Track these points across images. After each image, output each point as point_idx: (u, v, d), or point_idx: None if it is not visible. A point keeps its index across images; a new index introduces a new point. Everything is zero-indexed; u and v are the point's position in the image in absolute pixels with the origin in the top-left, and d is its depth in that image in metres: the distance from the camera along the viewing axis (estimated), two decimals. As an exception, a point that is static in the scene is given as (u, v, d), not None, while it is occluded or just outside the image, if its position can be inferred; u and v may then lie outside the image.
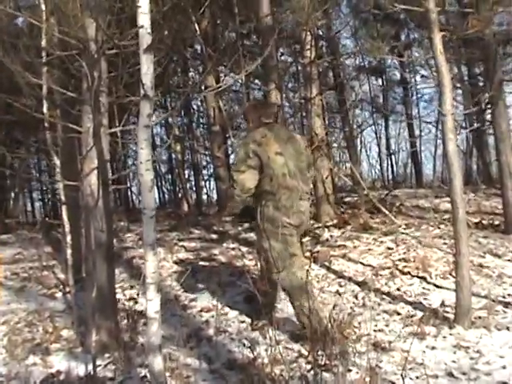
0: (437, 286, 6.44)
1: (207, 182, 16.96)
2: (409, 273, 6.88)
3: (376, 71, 18.43)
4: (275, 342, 4.90)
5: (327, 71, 16.56)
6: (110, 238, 5.42)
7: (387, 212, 9.28)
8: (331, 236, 8.97)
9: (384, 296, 6.29)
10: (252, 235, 9.51)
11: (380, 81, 19.08)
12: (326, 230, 9.31)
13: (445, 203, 10.43)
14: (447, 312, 5.66)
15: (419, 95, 19.53)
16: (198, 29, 10.62)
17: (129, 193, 18.65)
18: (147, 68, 3.58)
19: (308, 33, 9.76)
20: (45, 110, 6.23)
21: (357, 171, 16.66)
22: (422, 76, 17.54)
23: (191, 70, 13.93)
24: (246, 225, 10.44)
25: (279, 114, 6.39)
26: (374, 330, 5.38)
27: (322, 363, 4.58)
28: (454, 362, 4.69)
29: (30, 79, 5.63)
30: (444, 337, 5.18)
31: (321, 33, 14.29)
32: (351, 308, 6.04)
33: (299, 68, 14.98)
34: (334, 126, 18.57)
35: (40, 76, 5.96)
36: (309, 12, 9.06)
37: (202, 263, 8.25)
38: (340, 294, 6.48)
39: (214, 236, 10.19)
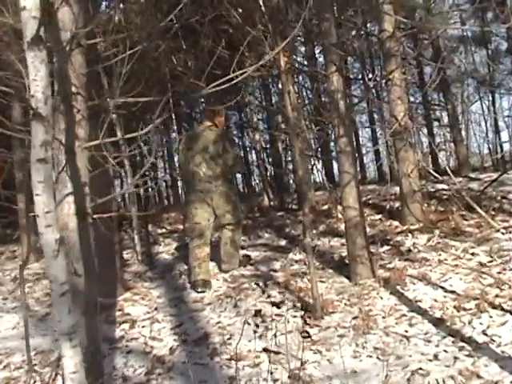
0: (537, 329, 4.87)
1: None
2: (500, 306, 5.31)
3: (480, 41, 16.56)
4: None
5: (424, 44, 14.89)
6: (90, 286, 4.18)
7: (483, 213, 7.65)
8: (414, 244, 7.50)
9: (464, 343, 4.78)
10: (325, 241, 8.23)
11: (485, 52, 17.12)
12: (410, 235, 7.83)
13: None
14: (549, 378, 4.13)
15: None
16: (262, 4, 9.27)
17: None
18: (35, 72, 2.31)
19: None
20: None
21: (460, 153, 15.20)
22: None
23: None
24: (321, 228, 9.13)
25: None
26: (444, 406, 3.97)
27: None
28: None
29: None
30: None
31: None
32: (418, 362, 4.58)
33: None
34: (434, 103, 16.85)
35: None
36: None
37: (254, 283, 6.98)
38: (408, 338, 5.03)
39: (283, 242, 8.91)
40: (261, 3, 8.98)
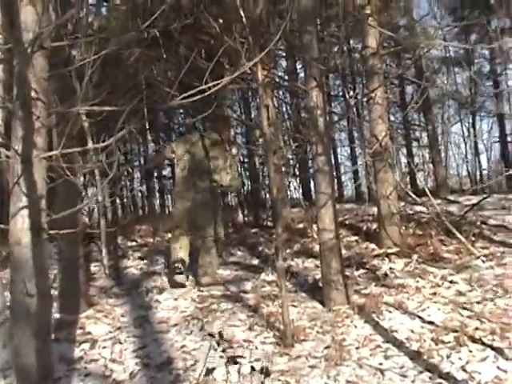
0: (518, 366, 4.57)
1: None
2: (481, 340, 5.03)
3: (463, 63, 16.47)
4: None
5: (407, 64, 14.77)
6: (43, 307, 3.84)
7: (462, 238, 7.39)
8: (391, 269, 7.24)
9: (442, 380, 4.46)
10: (299, 262, 7.95)
11: (467, 73, 17.06)
12: (387, 259, 7.57)
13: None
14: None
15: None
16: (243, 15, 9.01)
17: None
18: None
19: (371, 18, 8.10)
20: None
21: (439, 174, 15.04)
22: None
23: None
24: (296, 247, 8.85)
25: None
26: None
27: None
28: None
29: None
30: None
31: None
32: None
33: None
34: (414, 123, 16.74)
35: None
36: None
37: (223, 304, 6.67)
38: (382, 372, 4.73)
39: (256, 261, 8.61)
40: (242, 14, 8.72)
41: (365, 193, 14.16)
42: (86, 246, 8.29)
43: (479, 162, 18.60)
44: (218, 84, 4.21)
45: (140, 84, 9.85)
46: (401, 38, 11.03)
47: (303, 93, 8.26)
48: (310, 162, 13.33)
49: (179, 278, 7.44)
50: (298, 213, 11.52)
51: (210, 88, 4.07)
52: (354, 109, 13.35)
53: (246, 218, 12.64)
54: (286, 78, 14.28)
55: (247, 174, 15.35)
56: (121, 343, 5.79)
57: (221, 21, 9.78)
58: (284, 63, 14.70)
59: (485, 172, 19.06)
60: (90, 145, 7.86)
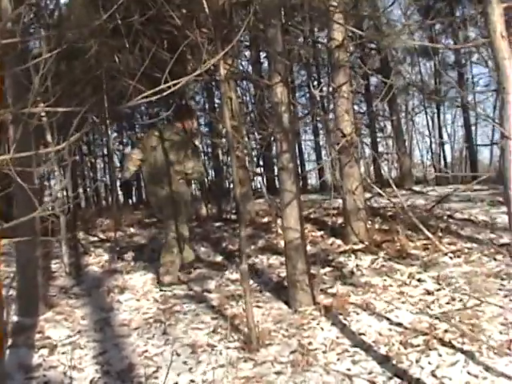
0: (489, 370, 4.41)
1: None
2: (450, 343, 4.91)
3: (427, 53, 16.42)
4: None
5: (372, 54, 14.69)
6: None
7: (430, 235, 7.32)
8: (357, 266, 7.12)
9: (411, 386, 4.37)
10: (264, 259, 7.80)
11: (432, 64, 17.05)
12: (353, 256, 7.45)
13: (503, 216, 8.32)
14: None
15: (475, 79, 17.45)
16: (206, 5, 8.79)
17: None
18: None
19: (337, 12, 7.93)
20: None
21: (404, 163, 15.00)
22: (477, 61, 15.48)
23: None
24: (260, 243, 8.69)
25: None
26: None
27: None
28: None
29: None
30: None
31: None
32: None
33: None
34: (378, 113, 16.65)
35: None
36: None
37: (186, 305, 6.50)
38: (350, 378, 4.58)
39: (220, 258, 8.43)
40: (205, 5, 8.51)
41: (329, 185, 14.03)
42: (45, 243, 8.03)
43: (443, 151, 18.68)
44: (179, 82, 4.02)
45: (101, 76, 9.55)
46: (368, 35, 10.85)
47: (266, 85, 8.07)
48: (273, 152, 13.13)
49: (165, 279, 7.27)
50: (263, 205, 11.35)
51: (169, 87, 3.87)
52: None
53: (209, 211, 12.41)
54: (250, 68, 14.10)
55: (210, 164, 15.18)
56: (81, 348, 5.58)
57: (184, 11, 9.56)
58: (247, 53, 14.52)
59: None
60: (49, 140, 7.64)
